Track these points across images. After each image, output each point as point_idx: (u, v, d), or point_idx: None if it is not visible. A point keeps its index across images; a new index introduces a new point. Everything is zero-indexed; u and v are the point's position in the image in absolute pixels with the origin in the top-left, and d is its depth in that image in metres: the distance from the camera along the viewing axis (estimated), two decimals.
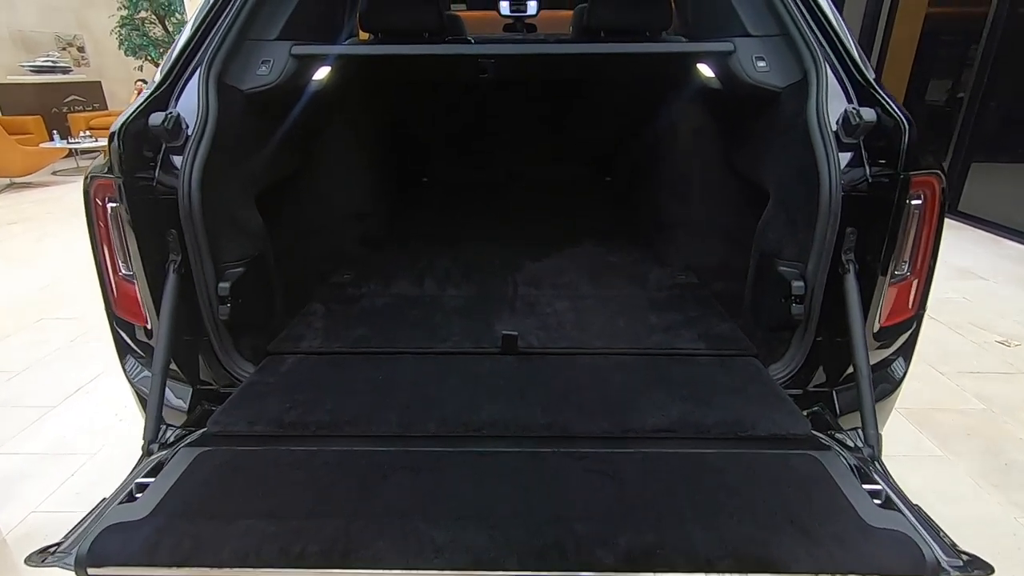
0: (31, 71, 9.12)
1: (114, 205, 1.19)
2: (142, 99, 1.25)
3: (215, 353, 1.32)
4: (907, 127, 1.09)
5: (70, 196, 6.61)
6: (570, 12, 3.41)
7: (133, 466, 1.07)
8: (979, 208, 5.05)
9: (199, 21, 1.38)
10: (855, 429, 1.17)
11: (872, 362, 1.28)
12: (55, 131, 7.86)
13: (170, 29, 9.30)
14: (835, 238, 1.19)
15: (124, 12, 9.12)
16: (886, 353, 1.32)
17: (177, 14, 9.10)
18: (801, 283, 1.24)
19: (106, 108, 9.86)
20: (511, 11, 3.38)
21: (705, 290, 1.78)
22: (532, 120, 2.51)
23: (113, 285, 1.32)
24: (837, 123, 1.22)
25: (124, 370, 1.40)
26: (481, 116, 2.52)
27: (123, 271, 1.28)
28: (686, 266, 1.95)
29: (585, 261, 2.02)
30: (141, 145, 1.20)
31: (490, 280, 1.88)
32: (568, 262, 2.01)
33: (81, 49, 10.39)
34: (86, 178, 1.23)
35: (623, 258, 2.06)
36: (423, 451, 1.05)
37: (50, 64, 9.32)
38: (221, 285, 1.27)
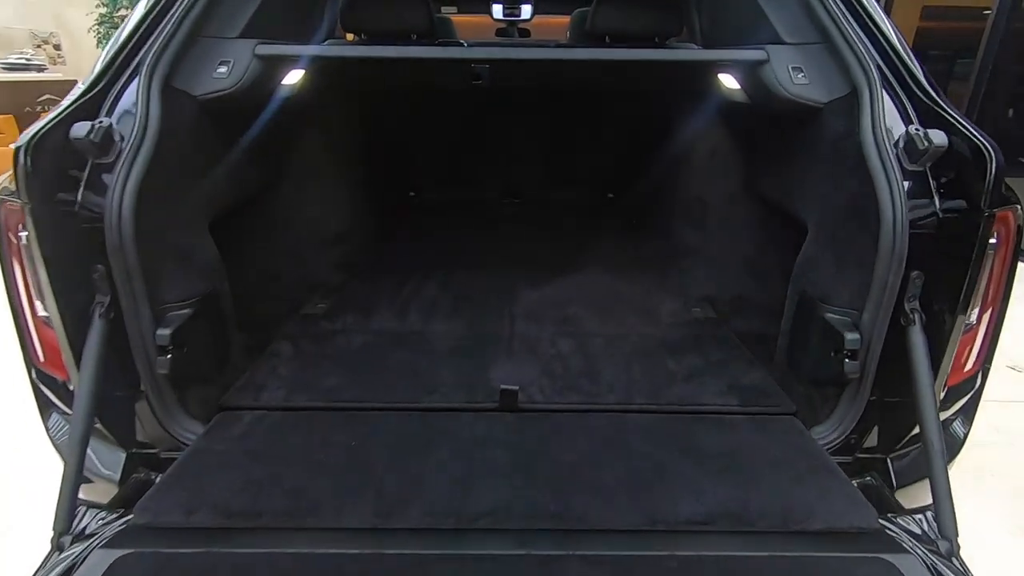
0: (3, 69, 8.75)
1: (26, 234, 0.97)
2: (62, 106, 1.03)
3: (153, 412, 1.09)
4: (992, 155, 0.91)
5: None
6: (566, 19, 3.22)
7: (35, 569, 0.85)
8: None
9: (143, 13, 1.17)
10: (922, 511, 0.98)
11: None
12: None
13: None
14: (899, 283, 1.00)
15: (103, 10, 8.80)
16: (947, 414, 1.13)
17: None
18: (856, 335, 1.05)
19: None
20: (504, 15, 3.17)
21: (725, 328, 1.59)
22: (530, 133, 2.31)
23: (32, 330, 1.09)
24: (897, 147, 1.04)
25: (47, 430, 1.17)
26: (474, 128, 2.31)
27: (42, 313, 1.06)
28: (701, 298, 1.76)
29: (589, 291, 1.82)
30: (60, 162, 0.98)
31: (484, 313, 1.67)
32: (570, 292, 1.80)
33: (57, 47, 10.03)
34: None
35: (631, 287, 1.86)
36: (403, 554, 0.83)
37: (23, 62, 8.95)
38: (160, 332, 1.05)
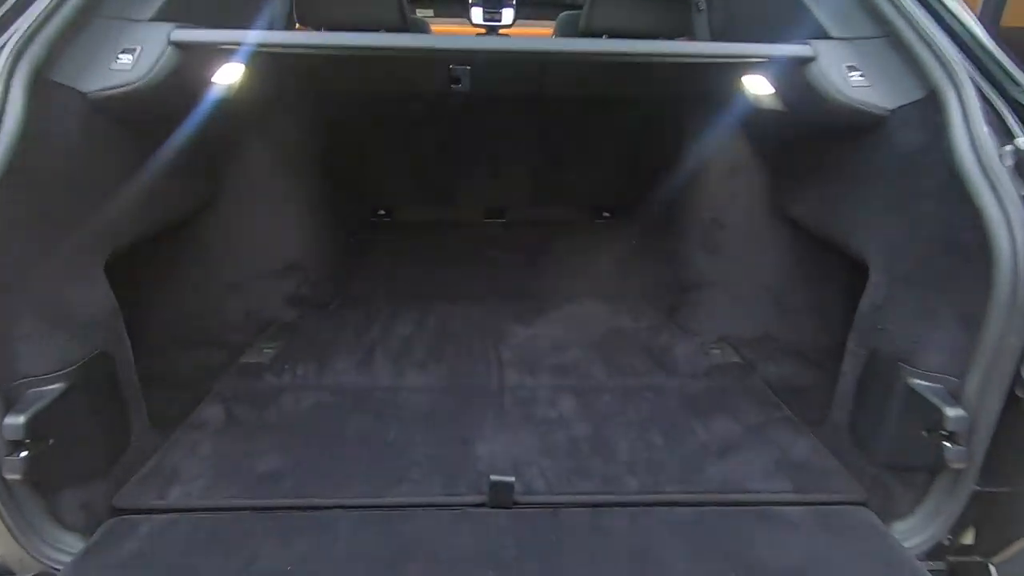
0: None
1: None
2: None
3: (7, 527, 0.78)
4: None
5: None
6: (549, 30, 2.99)
7: None
8: None
9: None
10: None
11: None
12: None
13: None
14: (1022, 343, 0.76)
15: None
16: None
17: None
18: (959, 412, 0.80)
19: None
20: (484, 19, 2.89)
21: (754, 376, 1.34)
22: (516, 144, 2.04)
23: None
24: (1007, 166, 0.80)
25: None
26: (452, 138, 2.04)
27: None
28: (719, 338, 1.50)
29: (588, 328, 1.55)
30: None
31: (467, 358, 1.39)
32: (567, 330, 1.53)
33: None
34: None
35: (635, 323, 1.60)
36: None
37: None
38: (9, 421, 0.75)
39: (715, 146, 1.47)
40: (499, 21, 2.99)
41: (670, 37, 1.57)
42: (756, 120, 1.38)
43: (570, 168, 2.12)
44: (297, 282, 1.58)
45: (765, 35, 1.33)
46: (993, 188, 0.79)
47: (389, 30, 1.41)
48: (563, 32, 2.46)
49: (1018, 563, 0.86)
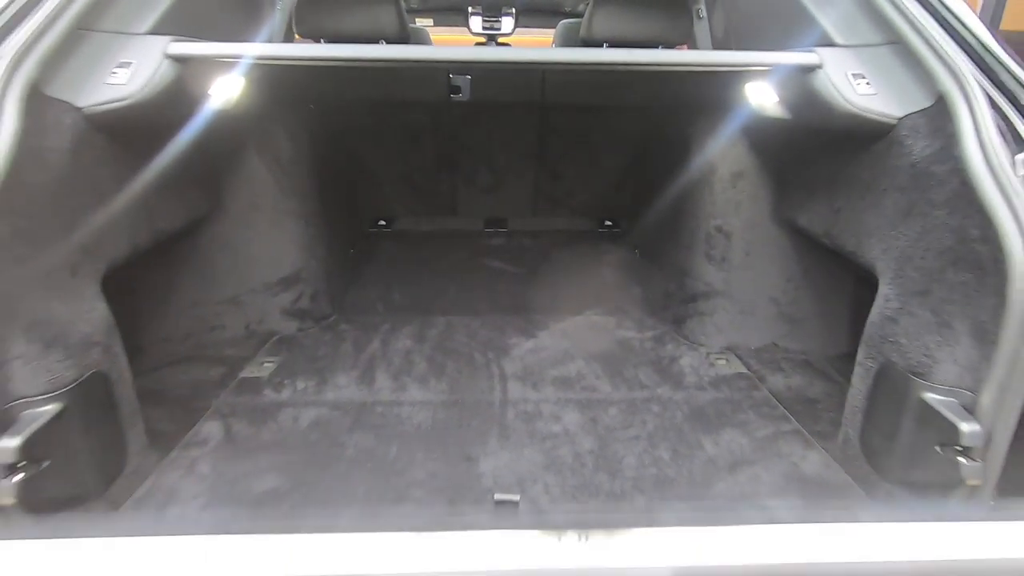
0: None
1: None
2: None
3: None
4: None
5: None
6: (548, 38, 2.99)
7: None
8: None
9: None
10: None
11: None
12: None
13: None
14: None
15: None
16: None
17: None
18: (975, 426, 0.78)
19: None
20: (483, 28, 2.89)
21: (761, 388, 1.31)
22: (516, 153, 2.03)
23: None
24: (1020, 175, 0.78)
25: None
26: (453, 148, 2.03)
27: None
28: (724, 348, 1.48)
29: (592, 340, 1.53)
30: None
31: (468, 372, 1.37)
32: (570, 342, 1.51)
33: None
34: None
35: (639, 334, 1.58)
36: None
37: None
38: (2, 444, 0.73)
39: (718, 154, 1.45)
40: (498, 30, 2.99)
41: (671, 45, 1.55)
42: (760, 128, 1.37)
43: (572, 177, 2.10)
44: (296, 295, 1.57)
45: (767, 42, 1.32)
46: (1006, 198, 0.77)
47: (389, 41, 1.40)
48: (563, 40, 2.45)
49: None
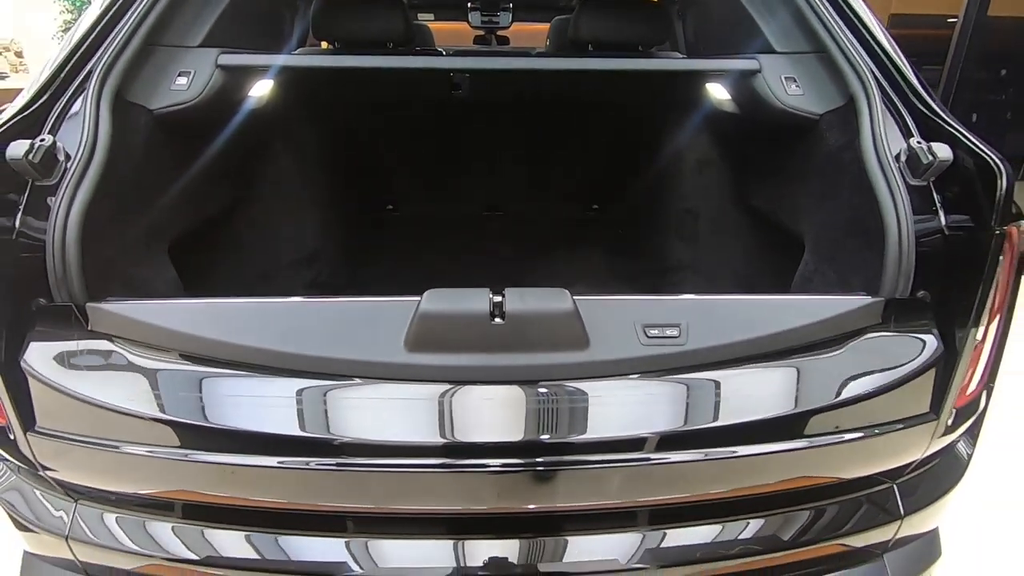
0: None
1: None
2: None
3: None
4: (1003, 170, 0.87)
5: None
6: (545, 26, 3.16)
7: None
8: None
9: (94, 19, 1.07)
10: None
11: (938, 447, 1.06)
12: None
13: None
14: None
15: (68, 16, 8.54)
16: (953, 436, 1.09)
17: None
18: None
19: None
20: (482, 22, 3.09)
21: None
22: (510, 143, 2.24)
23: None
24: (899, 161, 0.99)
25: None
26: (453, 139, 2.23)
27: None
28: None
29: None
30: None
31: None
32: None
33: (19, 54, 9.71)
34: None
35: None
36: None
37: None
38: None
39: (687, 145, 1.66)
40: (497, 24, 3.18)
41: (652, 44, 1.75)
42: (720, 122, 1.58)
43: (561, 166, 2.31)
44: (317, 270, 1.79)
45: (727, 45, 1.52)
46: (887, 181, 0.98)
47: (395, 40, 1.61)
48: (555, 36, 2.64)
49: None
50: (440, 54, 2.25)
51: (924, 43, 6.43)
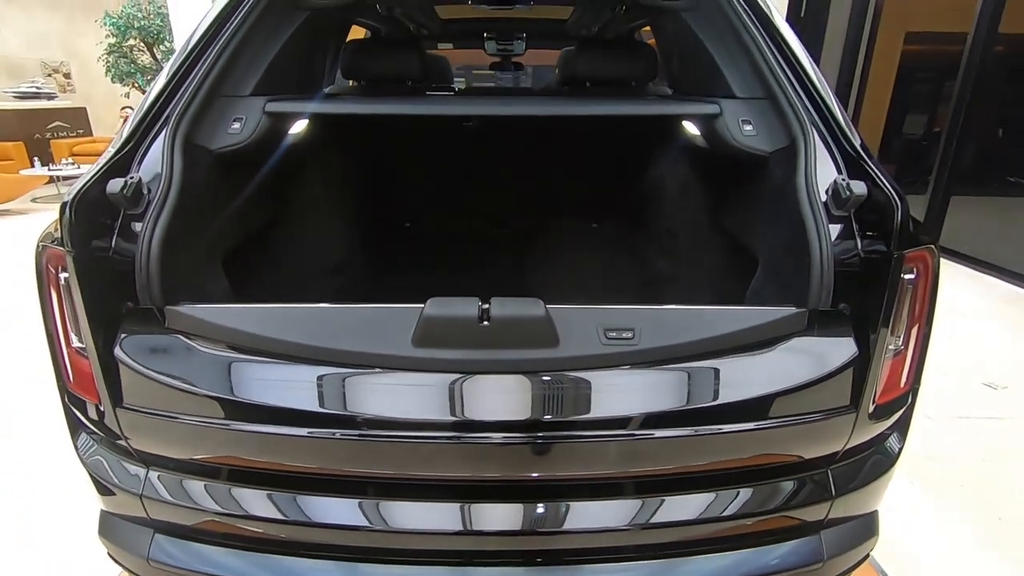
0: (14, 97, 9.04)
1: (65, 275, 1.12)
2: (101, 163, 1.19)
3: None
4: (899, 205, 1.06)
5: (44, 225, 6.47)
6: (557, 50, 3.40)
7: None
8: (960, 243, 5.11)
9: (169, 77, 1.33)
10: None
11: (867, 438, 1.24)
12: (36, 158, 7.75)
13: (158, 57, 9.30)
14: None
15: (112, 40, 9.12)
16: (882, 428, 1.26)
17: (166, 42, 9.11)
18: None
19: (91, 134, 9.79)
20: (498, 50, 3.36)
21: None
22: (517, 166, 2.47)
23: (65, 358, 1.23)
24: (827, 193, 1.19)
25: (76, 448, 1.30)
26: (464, 163, 2.48)
27: (76, 343, 1.20)
28: None
29: None
30: (97, 214, 1.13)
31: None
32: None
33: (67, 75, 10.35)
34: (37, 247, 1.16)
35: None
36: None
37: (34, 90, 9.25)
38: None
39: (669, 172, 1.87)
40: (511, 51, 3.45)
41: (644, 80, 1.97)
42: (696, 153, 1.78)
43: (564, 187, 2.53)
44: (343, 280, 2.03)
45: (700, 88, 1.73)
46: (812, 211, 1.17)
47: (413, 78, 1.86)
48: (563, 67, 2.88)
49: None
50: (453, 91, 2.50)
51: (942, 59, 6.51)
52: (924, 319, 1.19)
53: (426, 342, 1.07)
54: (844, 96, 6.40)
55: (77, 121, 9.67)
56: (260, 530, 1.17)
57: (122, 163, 1.21)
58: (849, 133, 1.24)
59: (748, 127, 1.40)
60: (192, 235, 1.29)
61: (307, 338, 1.10)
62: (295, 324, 1.13)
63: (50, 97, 9.53)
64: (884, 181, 1.11)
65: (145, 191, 1.18)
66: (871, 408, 1.18)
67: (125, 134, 1.26)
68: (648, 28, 2.40)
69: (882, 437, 1.29)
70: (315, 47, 1.97)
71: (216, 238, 1.41)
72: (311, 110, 1.52)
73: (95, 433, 1.27)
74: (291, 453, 1.13)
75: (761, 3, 1.43)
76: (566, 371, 1.08)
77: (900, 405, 1.25)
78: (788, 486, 1.21)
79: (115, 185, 1.12)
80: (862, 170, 1.17)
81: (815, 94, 1.31)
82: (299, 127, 1.67)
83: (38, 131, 9.02)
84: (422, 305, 1.08)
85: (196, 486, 1.21)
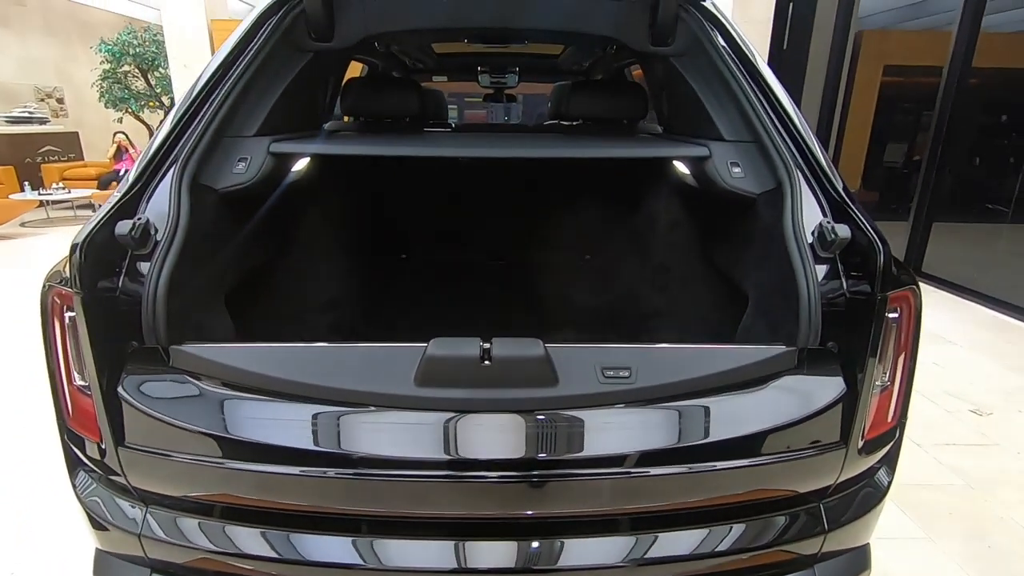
0: (6, 121, 9.04)
1: (72, 315, 1.13)
2: (110, 204, 1.21)
3: None
4: (881, 248, 1.11)
5: (34, 250, 6.42)
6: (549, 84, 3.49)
7: None
8: (941, 269, 5.23)
9: (176, 119, 1.36)
10: None
11: (857, 472, 1.27)
12: (26, 182, 7.72)
13: (152, 83, 9.37)
14: None
15: (107, 65, 9.18)
16: (871, 462, 1.30)
17: (161, 68, 9.19)
18: None
19: (82, 158, 9.78)
20: (491, 83, 3.45)
21: None
22: (511, 200, 2.52)
23: (67, 395, 1.23)
24: (813, 235, 1.24)
25: (74, 487, 1.30)
26: (459, 196, 2.53)
27: (79, 381, 1.20)
28: None
29: None
30: (106, 255, 1.15)
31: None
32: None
33: (60, 100, 10.40)
34: (44, 286, 1.17)
35: None
36: None
37: (26, 115, 9.27)
38: None
39: (661, 209, 1.93)
40: (504, 84, 3.54)
41: (635, 118, 2.04)
42: (686, 192, 1.84)
43: (558, 221, 2.59)
44: (338, 314, 2.05)
45: (691, 130, 1.79)
46: (800, 253, 1.22)
47: (410, 115, 1.91)
48: (555, 101, 2.96)
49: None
50: (450, 127, 2.57)
51: (919, 90, 6.75)
52: (909, 355, 1.23)
53: (429, 381, 1.09)
54: (826, 126, 6.60)
55: (69, 145, 9.67)
56: (262, 570, 1.17)
57: (130, 204, 1.23)
58: (832, 177, 1.30)
59: (736, 169, 1.46)
60: (198, 274, 1.31)
61: (312, 377, 1.12)
62: (300, 363, 1.15)
63: (42, 122, 9.53)
64: (867, 225, 1.17)
65: (152, 231, 1.20)
66: (860, 443, 1.21)
67: (133, 175, 1.29)
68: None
69: (872, 471, 1.32)
70: (317, 85, 2.03)
71: (220, 276, 1.43)
72: (314, 150, 1.56)
73: (94, 471, 1.27)
74: (299, 493, 1.14)
75: (746, 50, 1.50)
76: (565, 410, 1.10)
77: (888, 439, 1.28)
78: (781, 521, 1.24)
79: (124, 227, 1.14)
80: (845, 213, 1.23)
81: (799, 138, 1.37)
82: (301, 164, 1.71)
83: (29, 155, 9.01)
84: (425, 344, 1.10)
85: (198, 526, 1.20)
